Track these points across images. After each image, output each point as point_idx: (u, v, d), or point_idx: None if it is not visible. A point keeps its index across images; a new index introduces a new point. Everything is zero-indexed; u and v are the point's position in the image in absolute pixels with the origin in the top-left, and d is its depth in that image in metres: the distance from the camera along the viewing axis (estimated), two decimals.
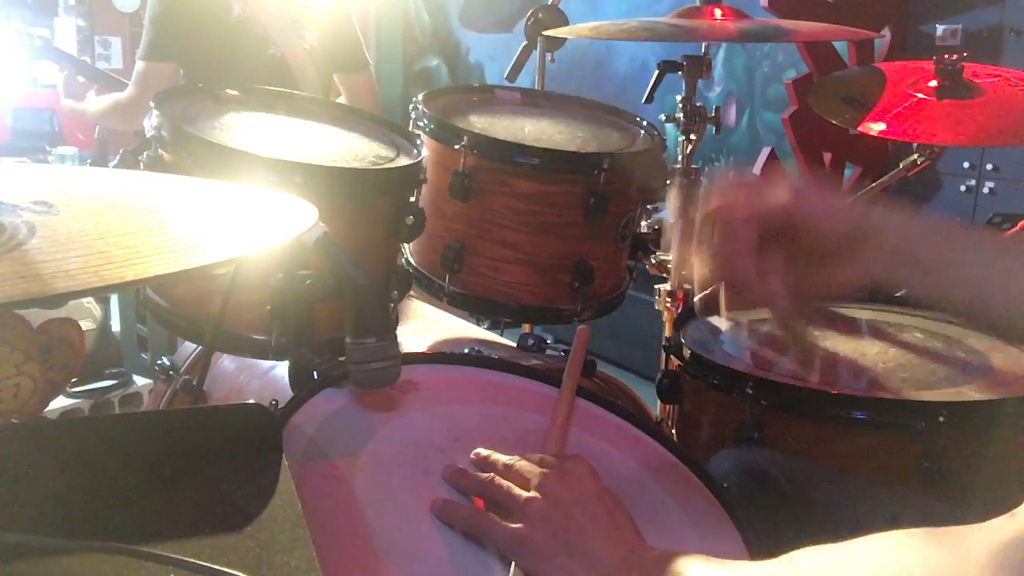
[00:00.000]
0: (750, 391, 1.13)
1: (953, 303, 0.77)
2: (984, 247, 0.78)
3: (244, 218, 0.74)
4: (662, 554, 0.71)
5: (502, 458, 0.82)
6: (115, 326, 3.02)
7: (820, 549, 0.61)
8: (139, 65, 2.19)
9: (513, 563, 0.73)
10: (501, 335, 1.58)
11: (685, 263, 0.83)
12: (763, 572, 0.65)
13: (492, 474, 0.80)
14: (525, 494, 0.76)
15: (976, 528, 0.51)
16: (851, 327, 1.42)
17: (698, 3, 1.55)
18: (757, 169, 3.29)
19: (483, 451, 0.84)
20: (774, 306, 0.78)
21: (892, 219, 0.77)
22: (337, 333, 0.90)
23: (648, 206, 1.42)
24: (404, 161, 1.15)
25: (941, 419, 1.05)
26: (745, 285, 0.78)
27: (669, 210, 0.88)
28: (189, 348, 1.41)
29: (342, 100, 2.41)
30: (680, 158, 1.61)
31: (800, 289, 0.78)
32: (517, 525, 0.74)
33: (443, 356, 1.08)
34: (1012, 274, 0.74)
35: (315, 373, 0.93)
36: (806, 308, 0.81)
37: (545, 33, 2.12)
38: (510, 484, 0.78)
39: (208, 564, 0.53)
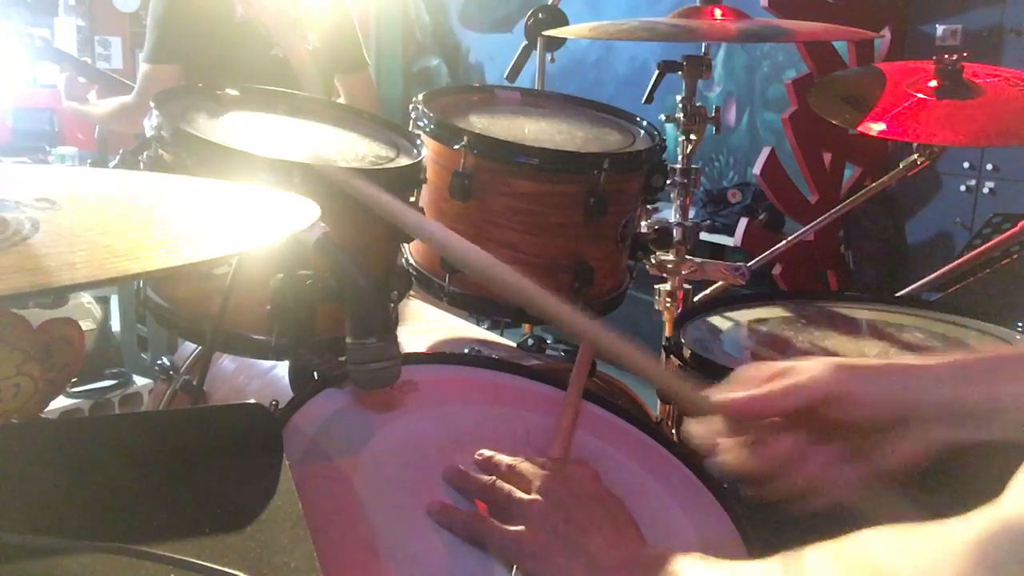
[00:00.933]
0: None
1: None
2: None
3: (246, 215, 0.74)
4: (662, 553, 0.71)
5: (504, 459, 0.82)
6: (115, 326, 3.02)
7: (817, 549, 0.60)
8: (144, 68, 2.19)
9: (515, 567, 0.73)
10: (501, 335, 1.58)
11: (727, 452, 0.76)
12: (766, 570, 0.64)
13: (494, 477, 0.80)
14: (526, 496, 0.76)
15: (957, 520, 0.51)
16: (851, 327, 1.42)
17: (698, 3, 1.55)
18: (757, 169, 3.29)
19: (486, 452, 0.84)
20: (825, 494, 0.72)
21: (936, 379, 0.70)
22: (337, 333, 0.90)
23: (648, 206, 1.42)
24: (404, 161, 1.15)
25: None
26: (787, 475, 0.72)
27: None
28: (189, 348, 1.41)
29: (341, 100, 2.41)
30: (680, 158, 1.61)
31: (851, 474, 0.72)
32: (517, 527, 0.74)
33: (443, 356, 1.08)
34: None
35: (315, 373, 0.93)
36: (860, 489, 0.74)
37: (545, 33, 2.12)
38: (511, 487, 0.77)
39: (208, 564, 0.53)
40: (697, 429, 0.78)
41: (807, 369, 0.73)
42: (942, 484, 1.06)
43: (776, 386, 0.73)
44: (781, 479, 0.72)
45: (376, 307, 0.89)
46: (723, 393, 0.75)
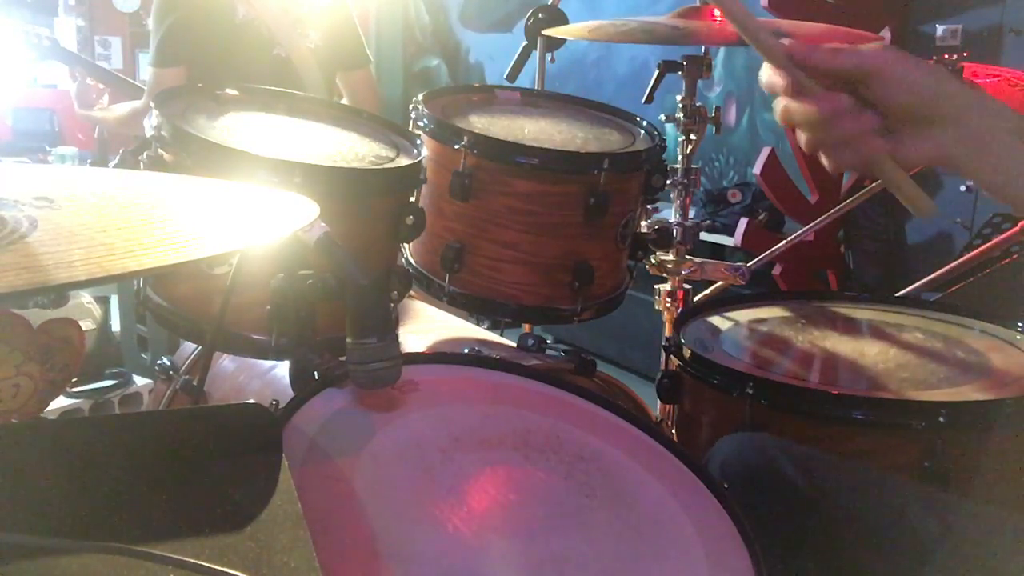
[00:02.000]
0: (750, 391, 1.13)
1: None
2: None
3: (245, 214, 0.74)
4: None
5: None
6: (115, 326, 3.01)
7: None
8: (151, 72, 2.20)
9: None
10: (501, 335, 1.58)
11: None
12: None
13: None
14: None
15: None
16: (851, 327, 1.42)
17: (698, 3, 1.55)
18: (757, 169, 3.29)
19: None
20: (867, 147, 0.76)
21: (972, 101, 0.75)
22: (338, 333, 0.90)
23: (648, 206, 1.42)
24: (404, 161, 1.15)
25: (941, 419, 1.05)
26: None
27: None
28: (189, 348, 1.41)
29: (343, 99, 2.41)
30: (680, 158, 1.61)
31: (880, 146, 0.76)
32: None
33: (443, 356, 1.08)
34: None
35: (316, 373, 0.93)
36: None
37: (545, 33, 2.12)
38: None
39: (208, 564, 0.53)
40: (765, 75, 0.81)
41: (864, 45, 0.77)
42: (942, 484, 1.06)
43: (836, 45, 0.77)
44: (823, 129, 0.77)
45: (376, 307, 0.89)
46: (790, 42, 0.78)
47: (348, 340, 0.87)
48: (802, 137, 0.79)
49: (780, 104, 0.79)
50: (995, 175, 0.75)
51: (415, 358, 1.03)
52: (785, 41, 0.78)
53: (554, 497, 0.85)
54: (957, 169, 0.75)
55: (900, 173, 0.78)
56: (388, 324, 0.89)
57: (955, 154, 0.75)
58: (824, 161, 0.79)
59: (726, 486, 0.93)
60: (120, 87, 2.51)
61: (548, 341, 1.41)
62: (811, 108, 0.76)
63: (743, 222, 3.43)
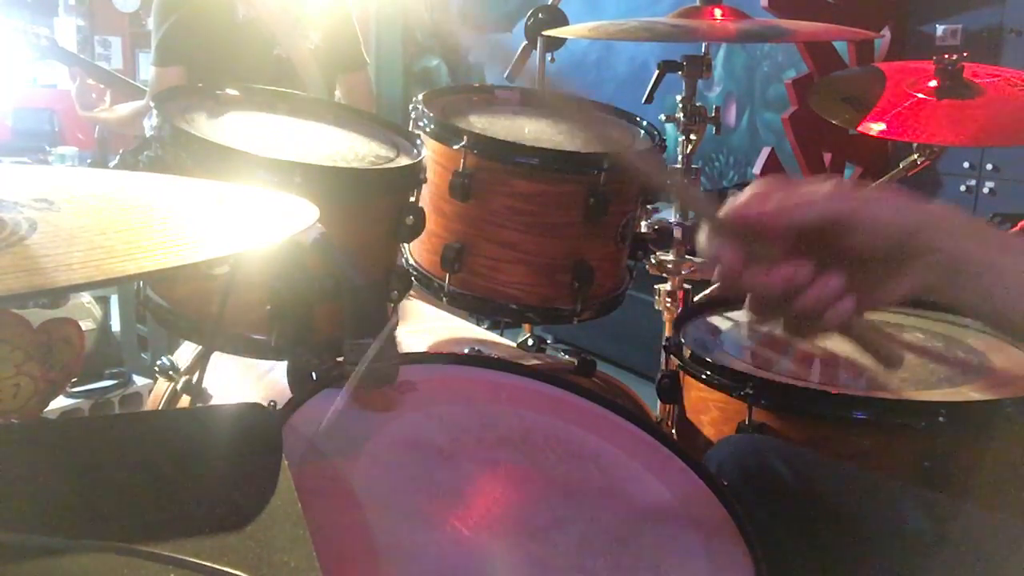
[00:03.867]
0: (750, 391, 1.14)
1: (1003, 313, 0.68)
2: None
3: (245, 216, 0.74)
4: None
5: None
6: (115, 326, 3.02)
7: None
8: (152, 71, 2.21)
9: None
10: (501, 335, 1.58)
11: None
12: None
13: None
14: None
15: None
16: None
17: (698, 3, 1.55)
18: (757, 169, 3.30)
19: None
20: (836, 315, 0.68)
21: (944, 223, 0.68)
22: (336, 333, 0.90)
23: (648, 206, 1.42)
24: (404, 161, 1.15)
25: (941, 419, 1.05)
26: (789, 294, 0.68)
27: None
28: (189, 348, 1.41)
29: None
30: (680, 158, 1.61)
31: (849, 307, 0.69)
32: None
33: (442, 356, 1.08)
34: None
35: (314, 374, 0.93)
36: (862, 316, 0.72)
37: (545, 33, 2.12)
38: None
39: (208, 564, 0.53)
40: (704, 243, 0.71)
41: (818, 189, 0.68)
42: (942, 484, 1.06)
43: (787, 200, 0.68)
44: (784, 304, 0.68)
45: (374, 307, 0.89)
46: (734, 205, 0.70)
47: (345, 340, 0.87)
48: (754, 311, 0.71)
49: (720, 276, 0.69)
50: (976, 297, 0.68)
51: (414, 358, 1.03)
52: (736, 206, 0.69)
53: (553, 495, 0.85)
54: (934, 295, 0.68)
55: (872, 332, 0.71)
56: (385, 324, 0.89)
57: (931, 283, 0.68)
58: (786, 334, 0.71)
59: (725, 483, 0.93)
60: (120, 87, 2.51)
61: (548, 341, 1.41)
62: (767, 283, 0.67)
63: None
